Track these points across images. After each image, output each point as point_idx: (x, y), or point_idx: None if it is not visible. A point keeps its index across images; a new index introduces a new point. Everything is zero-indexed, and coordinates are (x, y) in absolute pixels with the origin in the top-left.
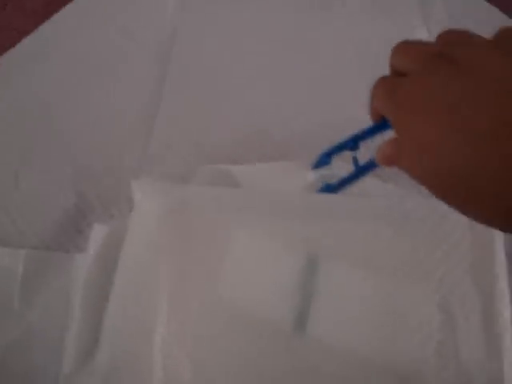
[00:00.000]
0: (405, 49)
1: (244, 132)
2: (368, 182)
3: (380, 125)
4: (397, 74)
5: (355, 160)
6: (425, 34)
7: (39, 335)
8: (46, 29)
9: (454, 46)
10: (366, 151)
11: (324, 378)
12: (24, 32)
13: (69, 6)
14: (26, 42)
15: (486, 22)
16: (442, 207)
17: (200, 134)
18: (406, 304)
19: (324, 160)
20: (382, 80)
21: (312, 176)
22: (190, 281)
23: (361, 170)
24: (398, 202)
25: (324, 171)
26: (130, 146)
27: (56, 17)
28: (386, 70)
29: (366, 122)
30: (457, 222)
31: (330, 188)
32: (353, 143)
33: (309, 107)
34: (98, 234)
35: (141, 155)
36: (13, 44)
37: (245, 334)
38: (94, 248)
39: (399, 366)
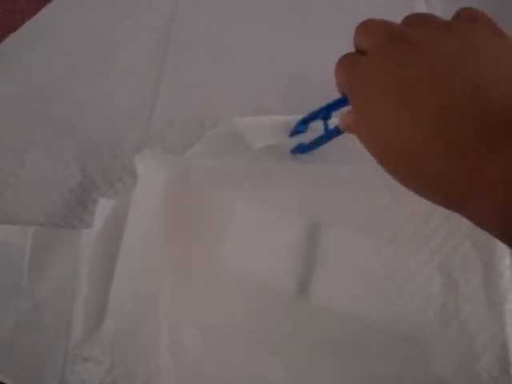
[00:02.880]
0: (366, 27)
1: (245, 108)
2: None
3: (342, 99)
4: (358, 52)
5: (326, 125)
6: (423, 5)
7: (48, 309)
8: (48, 11)
9: (413, 27)
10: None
11: (327, 340)
12: (27, 15)
13: None
14: (28, 25)
15: None
16: None
17: (201, 111)
18: (407, 267)
19: (300, 128)
20: (344, 57)
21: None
22: (194, 249)
23: (329, 134)
24: None
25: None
26: (133, 124)
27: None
28: None
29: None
30: None
31: (301, 148)
32: (326, 112)
33: (307, 80)
34: (102, 208)
35: (143, 132)
36: (16, 27)
37: (249, 300)
38: (99, 221)
39: (401, 328)
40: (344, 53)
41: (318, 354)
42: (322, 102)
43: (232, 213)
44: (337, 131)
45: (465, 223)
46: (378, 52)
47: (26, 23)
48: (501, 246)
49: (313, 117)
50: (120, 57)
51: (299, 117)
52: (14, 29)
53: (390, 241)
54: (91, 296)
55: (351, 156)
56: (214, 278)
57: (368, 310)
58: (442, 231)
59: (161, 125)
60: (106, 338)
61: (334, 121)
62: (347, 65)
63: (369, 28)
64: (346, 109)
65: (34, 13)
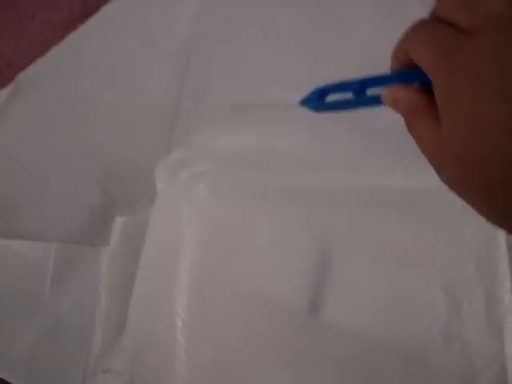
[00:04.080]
0: (472, 2)
1: None
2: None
3: (403, 74)
4: (446, 24)
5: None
6: None
7: (69, 324)
8: (73, 38)
9: None
10: None
11: (336, 357)
12: (52, 42)
13: (94, 18)
14: (55, 51)
15: None
16: (451, 194)
17: (220, 140)
18: (413, 289)
19: (314, 99)
20: (430, 28)
21: None
22: (210, 266)
23: (359, 101)
24: (408, 188)
25: None
26: (153, 149)
27: (83, 27)
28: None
29: None
30: (463, 209)
31: (314, 102)
32: (359, 86)
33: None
34: (118, 225)
35: (164, 156)
36: (41, 54)
37: (262, 317)
38: (115, 237)
39: (407, 347)
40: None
41: (327, 370)
42: None
43: (247, 230)
44: (371, 101)
45: (469, 247)
46: (496, 37)
47: (52, 49)
48: (502, 270)
49: (339, 88)
50: (140, 82)
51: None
52: (41, 54)
53: (399, 262)
54: (111, 310)
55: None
56: (230, 296)
57: (376, 329)
58: (448, 254)
59: (179, 151)
60: (125, 351)
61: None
62: (441, 41)
63: (476, 3)
64: None
65: (60, 40)
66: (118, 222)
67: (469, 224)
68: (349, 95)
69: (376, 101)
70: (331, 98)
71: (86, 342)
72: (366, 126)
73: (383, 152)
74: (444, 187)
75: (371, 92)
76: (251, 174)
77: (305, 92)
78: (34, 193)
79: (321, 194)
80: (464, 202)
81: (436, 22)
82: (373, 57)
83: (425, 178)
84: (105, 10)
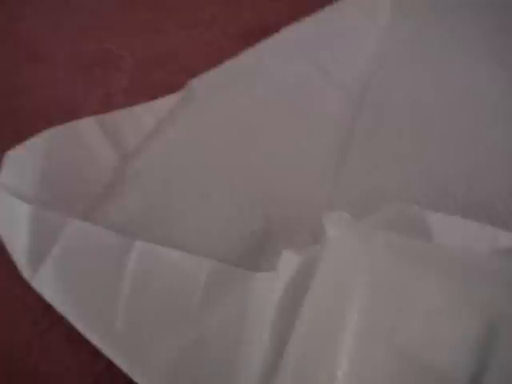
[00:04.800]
0: None
1: (427, 188)
2: None
3: None
4: None
5: None
6: None
7: (213, 345)
8: (250, 54)
9: None
10: None
11: None
12: (226, 53)
13: (274, 37)
14: (230, 63)
15: None
16: None
17: (387, 185)
18: None
19: None
20: None
21: (504, 240)
22: (375, 325)
23: None
24: None
25: None
26: (321, 181)
27: (261, 44)
28: None
29: None
30: None
31: None
32: None
33: (494, 172)
34: (287, 260)
35: (330, 191)
36: (214, 62)
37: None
38: (283, 274)
39: None
40: None
41: None
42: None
43: (414, 296)
44: None
45: None
46: None
47: (228, 61)
48: None
49: None
50: (312, 112)
51: (494, 228)
52: (212, 64)
53: None
54: (269, 352)
55: None
56: (392, 355)
57: None
58: None
59: (346, 187)
60: None
61: None
62: None
63: None
64: None
65: (235, 52)
66: (287, 256)
67: None
68: None
69: None
70: None
71: (227, 368)
72: None
73: None
74: None
75: None
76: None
77: None
78: (195, 204)
79: (496, 271)
80: None
81: None
82: None
83: None
84: (284, 31)
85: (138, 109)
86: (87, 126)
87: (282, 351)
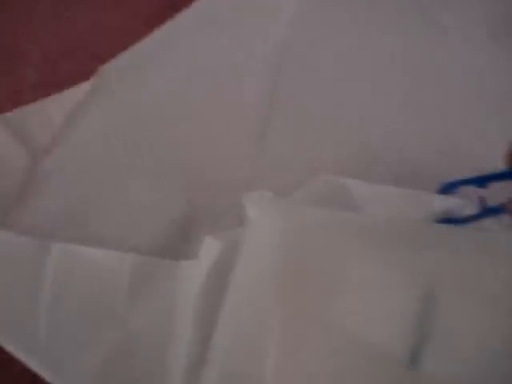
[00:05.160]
0: None
1: (355, 155)
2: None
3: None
4: None
5: (482, 200)
6: None
7: (142, 343)
8: (161, 34)
9: None
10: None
11: None
12: (136, 35)
13: (184, 13)
14: (140, 45)
15: None
16: None
17: (311, 154)
18: None
19: (447, 191)
20: None
21: (438, 203)
22: (305, 305)
23: (487, 212)
24: None
25: (450, 201)
26: (242, 159)
27: (170, 23)
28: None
29: (481, 157)
30: None
31: (450, 222)
32: (481, 181)
33: (422, 134)
34: (209, 246)
35: (251, 171)
36: (125, 45)
37: (357, 364)
38: (205, 261)
39: None
40: None
41: None
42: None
43: (346, 270)
44: (499, 210)
45: None
46: None
47: (139, 43)
48: None
49: (464, 182)
50: (231, 88)
51: (427, 193)
52: (123, 47)
53: (508, 315)
54: (194, 341)
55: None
56: (326, 335)
57: None
58: None
59: (269, 163)
60: None
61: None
62: None
63: None
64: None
65: (146, 33)
66: (208, 242)
67: None
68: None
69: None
70: None
71: (159, 365)
72: None
73: None
74: None
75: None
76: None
77: None
78: (112, 197)
79: (427, 237)
80: None
81: None
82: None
83: None
84: (196, 5)
85: (47, 103)
86: None
87: (208, 341)
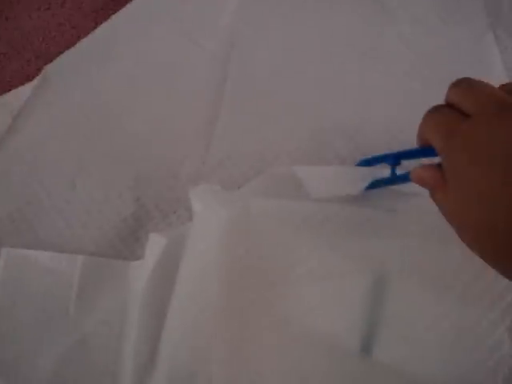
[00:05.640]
0: (471, 89)
1: (307, 144)
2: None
3: (425, 150)
4: (453, 109)
5: (393, 169)
6: (492, 40)
7: (95, 344)
8: (105, 28)
9: None
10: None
11: None
12: (82, 31)
13: (128, 6)
14: (85, 42)
15: None
16: None
17: (261, 144)
18: (476, 328)
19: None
20: (438, 114)
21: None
22: (253, 297)
23: (394, 179)
24: None
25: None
26: (190, 154)
27: (115, 17)
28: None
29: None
30: None
31: (376, 184)
32: (395, 159)
33: (372, 119)
34: (154, 243)
35: (200, 163)
36: (71, 43)
37: (308, 354)
38: (151, 259)
39: None
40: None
41: None
42: (384, 148)
43: (294, 260)
44: (404, 178)
45: None
46: (487, 120)
47: (83, 40)
48: None
49: (378, 160)
50: (178, 81)
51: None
52: (69, 45)
53: (459, 299)
54: (142, 340)
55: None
56: (274, 328)
57: (433, 374)
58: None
59: (218, 156)
60: None
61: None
62: (444, 127)
63: (475, 91)
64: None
65: (92, 29)
66: (153, 238)
67: None
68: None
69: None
70: None
71: (112, 366)
72: None
73: None
74: None
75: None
76: (298, 200)
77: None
78: (59, 198)
79: (374, 224)
80: None
81: (445, 107)
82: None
83: None
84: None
85: None
86: None
87: (156, 339)
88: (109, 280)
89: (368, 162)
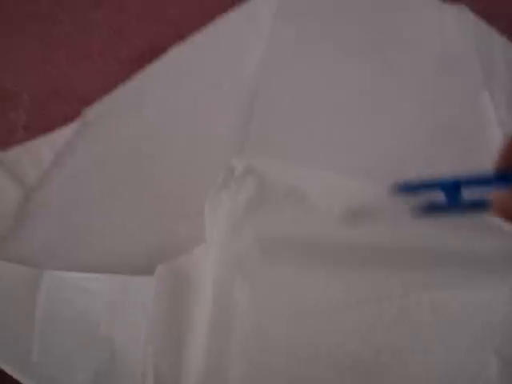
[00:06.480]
0: None
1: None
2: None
3: (500, 177)
4: None
5: (455, 194)
6: (487, 97)
7: (126, 359)
8: (141, 78)
9: None
10: None
11: None
12: (119, 78)
13: (162, 59)
14: (121, 90)
15: None
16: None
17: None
18: (463, 351)
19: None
20: None
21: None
22: (265, 332)
23: (465, 206)
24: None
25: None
26: None
27: (150, 68)
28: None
29: None
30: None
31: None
32: (453, 188)
33: (377, 163)
34: (160, 274)
35: None
36: (108, 89)
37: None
38: (156, 288)
39: None
40: None
41: None
42: None
43: (302, 292)
44: (479, 206)
45: None
46: None
47: (119, 88)
48: None
49: (432, 186)
50: (203, 126)
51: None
52: (107, 90)
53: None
54: (162, 353)
55: None
56: (289, 359)
57: None
58: (500, 313)
59: None
60: None
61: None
62: None
63: None
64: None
65: (128, 77)
66: (160, 270)
67: None
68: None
69: (475, 206)
70: None
71: (141, 378)
72: None
73: None
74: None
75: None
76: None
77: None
78: (96, 226)
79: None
80: None
81: None
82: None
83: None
84: (172, 52)
85: (37, 143)
86: None
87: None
88: (132, 294)
89: (416, 188)
